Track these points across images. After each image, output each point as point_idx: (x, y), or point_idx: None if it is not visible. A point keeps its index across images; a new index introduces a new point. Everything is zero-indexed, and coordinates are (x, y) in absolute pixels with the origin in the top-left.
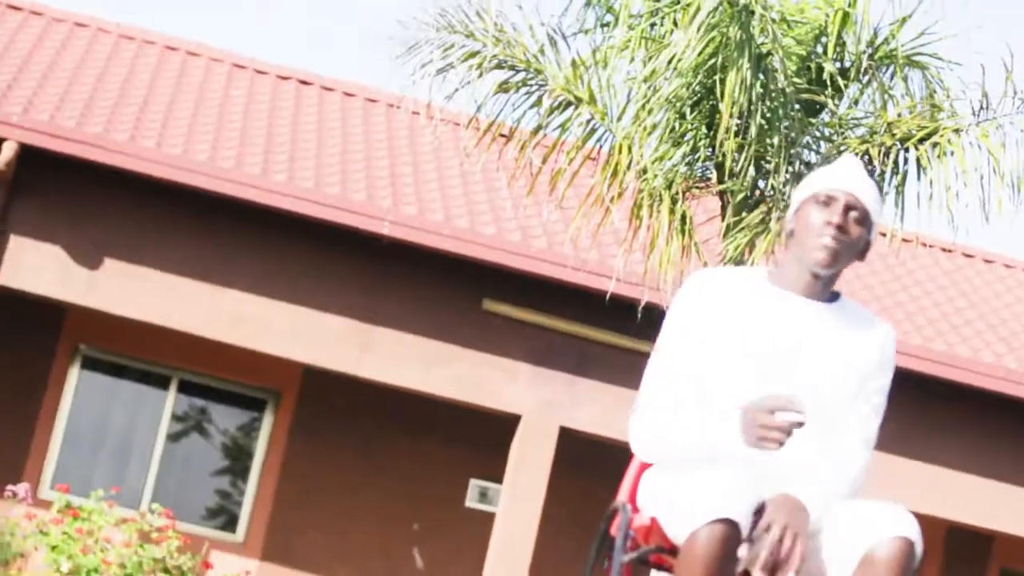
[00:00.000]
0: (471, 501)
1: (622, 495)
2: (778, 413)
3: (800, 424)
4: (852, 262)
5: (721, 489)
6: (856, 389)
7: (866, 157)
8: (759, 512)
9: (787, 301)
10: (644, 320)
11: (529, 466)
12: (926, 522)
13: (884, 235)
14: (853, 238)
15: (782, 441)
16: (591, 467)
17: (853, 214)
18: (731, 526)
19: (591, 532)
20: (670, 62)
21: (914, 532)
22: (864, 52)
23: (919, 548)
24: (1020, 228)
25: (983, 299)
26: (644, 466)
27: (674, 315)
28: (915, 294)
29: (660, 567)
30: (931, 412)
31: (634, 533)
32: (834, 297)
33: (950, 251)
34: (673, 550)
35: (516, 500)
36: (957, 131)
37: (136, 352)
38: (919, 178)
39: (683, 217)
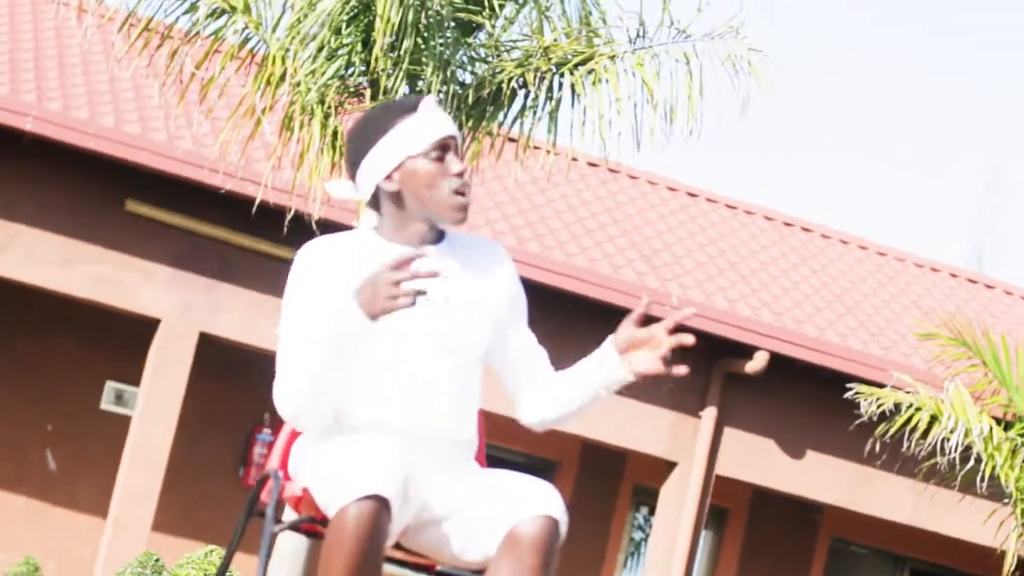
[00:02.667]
0: (107, 404)
1: (273, 461)
2: (411, 266)
3: (432, 272)
4: None
5: (372, 464)
6: (503, 316)
7: (521, 80)
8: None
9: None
10: (291, 229)
11: (167, 370)
12: (561, 438)
13: (538, 150)
14: (469, 177)
15: (412, 298)
16: (230, 373)
17: (456, 153)
18: (380, 502)
19: (228, 438)
20: None
21: (559, 511)
22: None
23: (563, 527)
24: (671, 154)
25: (627, 216)
26: (296, 433)
27: (295, 291)
28: (537, 202)
29: (313, 535)
30: (559, 326)
31: (287, 502)
32: (440, 235)
33: (596, 165)
34: (325, 521)
35: (153, 404)
36: (613, 58)
37: None
38: (573, 105)
39: (335, 132)
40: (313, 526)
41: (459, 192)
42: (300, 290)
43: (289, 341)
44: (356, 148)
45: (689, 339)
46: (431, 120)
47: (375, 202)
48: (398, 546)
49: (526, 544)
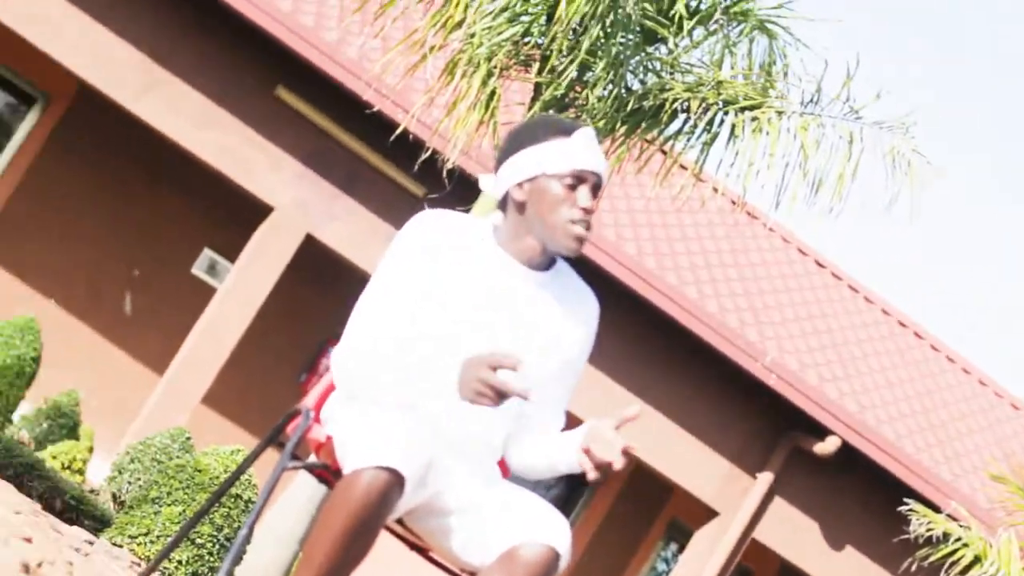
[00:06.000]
0: (198, 269)
1: (310, 399)
2: (500, 372)
3: (519, 393)
4: None
5: (400, 438)
6: (558, 367)
7: (685, 104)
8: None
9: (509, 268)
10: (422, 167)
11: (266, 257)
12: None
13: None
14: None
15: (497, 401)
16: (323, 281)
17: (592, 192)
18: (396, 477)
19: (302, 341)
20: None
21: (564, 547)
22: (721, 1)
23: (564, 562)
24: (801, 224)
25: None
26: None
27: (396, 256)
28: (668, 221)
29: (326, 483)
30: (651, 348)
31: (308, 442)
32: (552, 262)
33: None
34: (339, 473)
35: (242, 284)
36: (780, 113)
37: None
38: (727, 145)
39: (492, 93)
40: (326, 474)
41: (577, 224)
42: (402, 266)
43: (371, 314)
44: (507, 147)
45: (621, 463)
46: (580, 150)
47: (503, 204)
48: (400, 522)
49: (522, 566)
